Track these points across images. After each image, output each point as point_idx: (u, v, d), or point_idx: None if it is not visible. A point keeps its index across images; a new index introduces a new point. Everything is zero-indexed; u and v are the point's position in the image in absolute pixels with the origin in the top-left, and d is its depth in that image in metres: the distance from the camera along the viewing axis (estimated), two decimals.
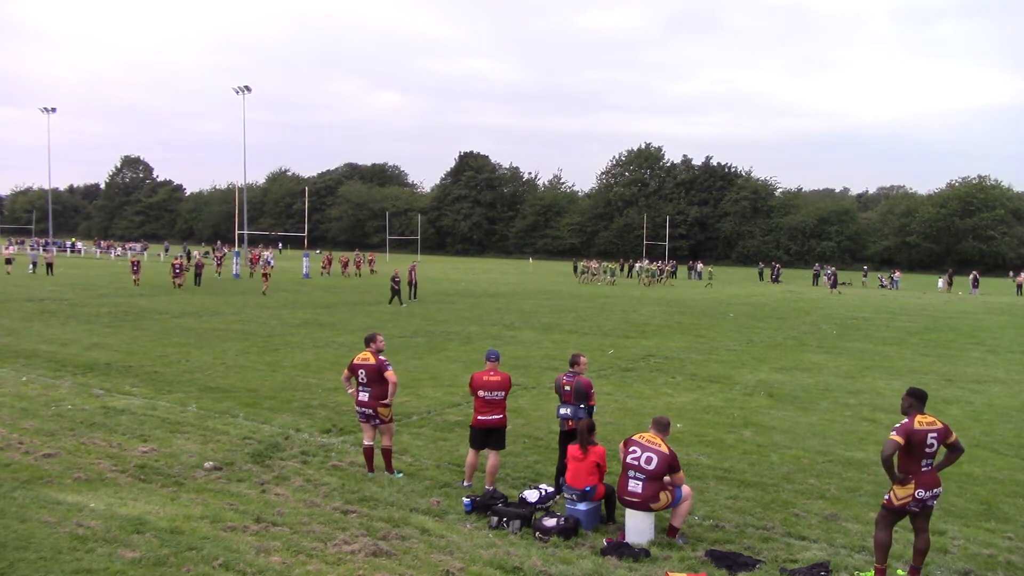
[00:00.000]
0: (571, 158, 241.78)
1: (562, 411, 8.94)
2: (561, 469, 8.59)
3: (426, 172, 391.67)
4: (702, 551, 7.33)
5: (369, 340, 9.45)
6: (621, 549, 7.27)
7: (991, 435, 12.36)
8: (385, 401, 9.20)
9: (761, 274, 71.30)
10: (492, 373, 8.98)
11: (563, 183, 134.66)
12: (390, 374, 9.21)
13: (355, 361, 9.36)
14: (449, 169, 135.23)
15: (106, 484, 8.71)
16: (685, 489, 7.79)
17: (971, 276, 57.59)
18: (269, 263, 45.60)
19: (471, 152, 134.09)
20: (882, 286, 60.37)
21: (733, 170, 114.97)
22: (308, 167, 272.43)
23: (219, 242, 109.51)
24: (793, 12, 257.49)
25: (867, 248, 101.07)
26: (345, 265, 58.46)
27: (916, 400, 6.83)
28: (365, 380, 9.22)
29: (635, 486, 7.62)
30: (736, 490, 9.24)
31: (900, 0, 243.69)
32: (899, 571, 6.99)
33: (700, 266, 72.29)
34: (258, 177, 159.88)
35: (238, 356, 18.02)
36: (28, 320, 23.93)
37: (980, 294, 52.92)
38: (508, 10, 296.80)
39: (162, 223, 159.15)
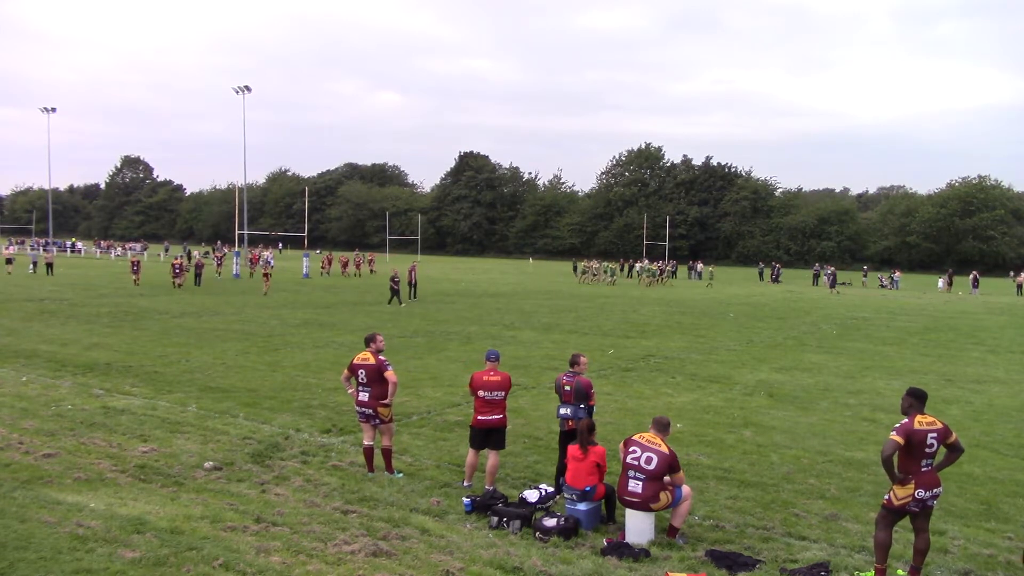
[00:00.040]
0: (571, 158, 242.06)
1: (562, 411, 8.94)
2: (561, 469, 8.59)
3: (426, 172, 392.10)
4: (702, 551, 7.33)
5: (369, 340, 9.45)
6: (621, 549, 7.27)
7: (991, 435, 12.36)
8: (385, 401, 9.20)
9: (761, 274, 71.31)
10: (492, 373, 8.98)
11: (563, 183, 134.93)
12: (390, 374, 9.21)
13: (355, 361, 9.36)
14: (449, 169, 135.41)
15: (106, 484, 8.71)
16: (685, 489, 7.79)
17: (971, 276, 57.61)
18: (269, 263, 45.59)
19: (471, 152, 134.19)
20: (882, 286, 60.37)
21: (733, 170, 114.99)
22: (308, 167, 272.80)
23: (219, 242, 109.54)
24: (793, 12, 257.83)
25: (867, 248, 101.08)
26: (345, 265, 58.47)
27: (916, 400, 6.83)
28: (365, 380, 9.22)
29: (635, 486, 7.62)
30: (736, 490, 9.24)
31: (900, 0, 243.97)
32: (899, 571, 6.99)
33: (700, 266, 72.31)
34: (258, 177, 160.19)
35: (238, 356, 18.02)
36: (28, 320, 23.93)
37: (980, 294, 52.92)
38: (508, 10, 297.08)
39: (162, 223, 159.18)
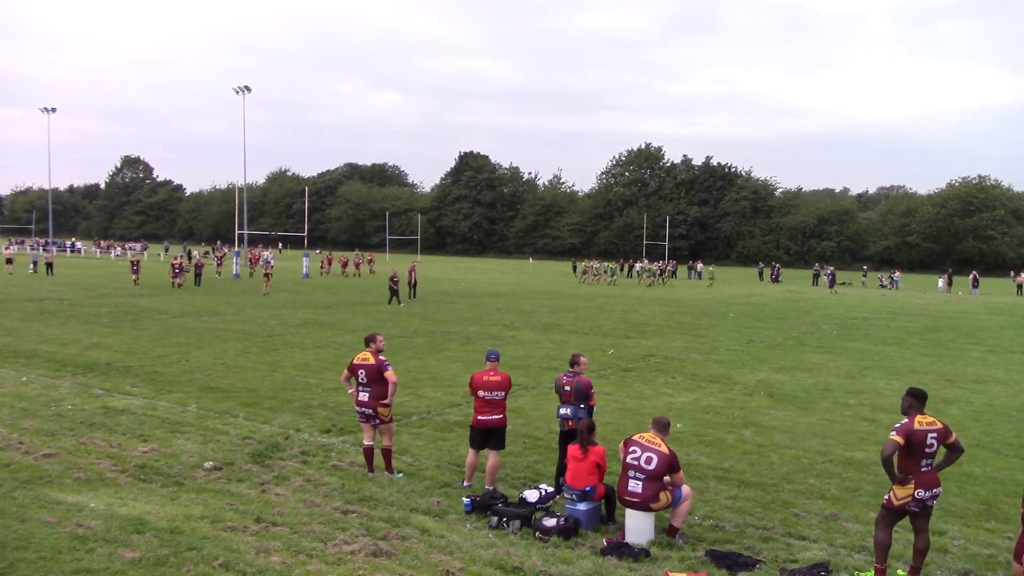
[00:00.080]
0: (571, 158, 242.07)
1: (562, 411, 8.94)
2: (561, 469, 8.59)
3: (426, 172, 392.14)
4: (702, 551, 7.33)
5: (369, 340, 9.45)
6: (621, 549, 7.27)
7: (991, 435, 12.36)
8: (385, 401, 9.20)
9: (761, 274, 71.33)
10: (492, 373, 8.98)
11: (563, 183, 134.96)
12: (390, 374, 9.21)
13: (355, 361, 9.36)
14: (449, 169, 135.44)
15: (106, 484, 8.71)
16: (685, 489, 7.79)
17: (971, 276, 57.61)
18: (269, 263, 45.58)
19: (471, 152, 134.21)
20: (882, 286, 60.37)
21: (733, 170, 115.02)
22: (308, 167, 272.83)
23: (219, 242, 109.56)
24: (793, 12, 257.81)
25: (867, 248, 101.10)
26: (344, 265, 58.50)
27: (916, 400, 6.83)
28: (365, 380, 9.22)
29: (635, 486, 7.62)
30: (736, 490, 9.24)
31: (900, 0, 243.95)
32: (899, 571, 6.99)
33: (700, 266, 72.30)
34: (258, 177, 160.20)
35: (238, 356, 18.03)
36: (28, 320, 23.94)
37: (980, 294, 52.93)
38: (508, 10, 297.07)
39: (162, 223, 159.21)
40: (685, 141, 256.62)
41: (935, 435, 6.67)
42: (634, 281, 59.30)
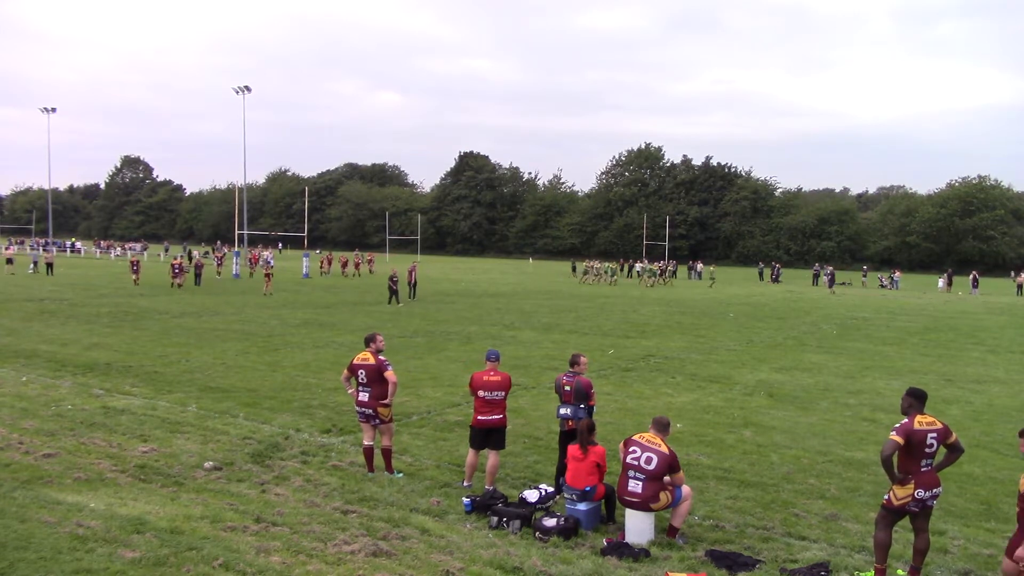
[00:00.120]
0: (571, 158, 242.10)
1: (562, 411, 8.94)
2: (561, 469, 8.59)
3: (426, 172, 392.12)
4: (702, 551, 7.33)
5: (369, 340, 9.45)
6: (621, 549, 7.27)
7: (991, 435, 12.35)
8: (385, 401, 9.20)
9: (761, 274, 71.35)
10: (492, 373, 8.98)
11: (563, 183, 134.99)
12: (390, 374, 9.21)
13: (355, 361, 9.36)
14: (449, 169, 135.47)
15: (106, 484, 8.71)
16: (685, 489, 7.79)
17: (971, 276, 57.61)
18: (269, 263, 45.59)
19: (471, 152, 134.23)
20: (882, 286, 60.37)
21: (733, 170, 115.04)
22: (308, 167, 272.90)
23: (219, 242, 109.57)
24: (793, 12, 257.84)
25: (867, 248, 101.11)
26: (344, 265, 58.53)
27: (916, 400, 6.83)
28: (365, 380, 9.22)
29: (635, 486, 7.62)
30: (736, 490, 9.24)
31: (900, 0, 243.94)
32: (899, 571, 6.99)
33: (700, 266, 72.32)
34: (258, 177, 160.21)
35: (238, 356, 18.03)
36: (28, 320, 23.94)
37: (980, 294, 52.93)
38: (508, 10, 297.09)
39: (162, 223, 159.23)
40: (685, 141, 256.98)
41: (935, 435, 6.67)
42: (634, 281, 59.30)
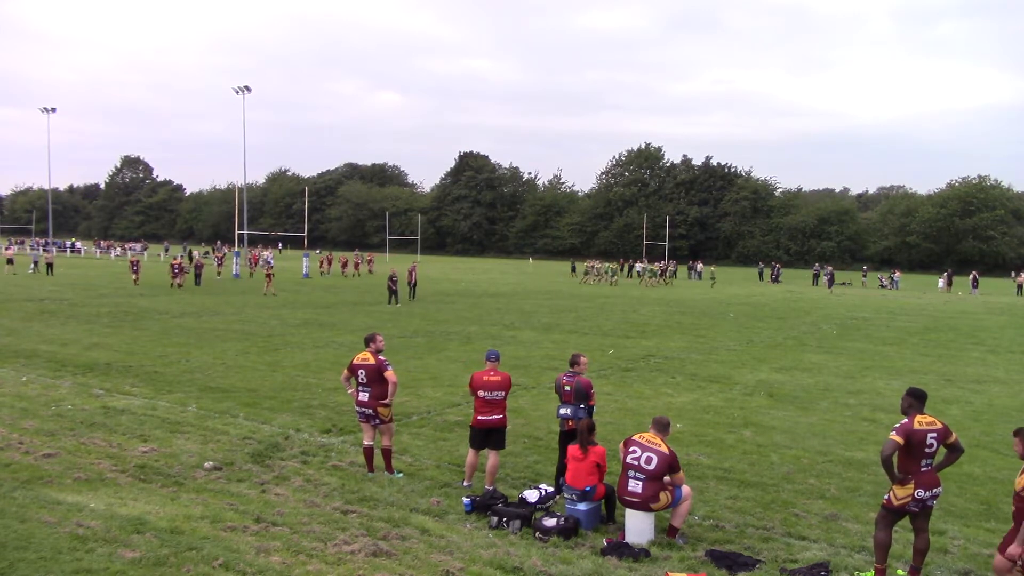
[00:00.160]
0: (571, 158, 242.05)
1: (562, 411, 8.94)
2: (561, 469, 8.59)
3: (426, 172, 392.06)
4: (702, 551, 7.33)
5: (369, 340, 9.45)
6: (621, 549, 7.27)
7: (991, 435, 12.35)
8: (385, 401, 9.20)
9: (761, 274, 71.35)
10: (492, 373, 8.98)
11: (563, 183, 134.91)
12: (390, 374, 9.21)
13: (355, 361, 9.36)
14: (449, 169, 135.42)
15: (106, 484, 8.71)
16: (685, 489, 7.79)
17: (971, 276, 57.62)
18: (269, 263, 45.58)
19: (471, 152, 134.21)
20: (882, 286, 60.37)
21: (733, 170, 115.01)
22: (308, 167, 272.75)
23: (219, 242, 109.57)
24: (793, 12, 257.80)
25: (867, 248, 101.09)
26: (344, 265, 58.55)
27: (916, 400, 6.84)
28: (365, 380, 9.22)
29: (635, 486, 7.62)
30: (736, 490, 9.24)
31: (900, 0, 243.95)
32: (899, 571, 6.99)
33: (700, 266, 72.32)
34: (258, 177, 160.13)
35: (238, 356, 18.03)
36: (28, 320, 23.94)
37: (980, 294, 52.94)
38: (508, 10, 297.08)
39: (162, 223, 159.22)
40: (685, 141, 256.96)
41: (935, 435, 6.67)
42: (634, 281, 59.31)
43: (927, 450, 6.66)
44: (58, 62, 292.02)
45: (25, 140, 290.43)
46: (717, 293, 47.40)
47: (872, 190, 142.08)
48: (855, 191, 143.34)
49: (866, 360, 20.18)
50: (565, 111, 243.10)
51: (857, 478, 9.89)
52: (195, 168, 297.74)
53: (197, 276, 42.30)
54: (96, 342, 19.56)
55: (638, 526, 7.63)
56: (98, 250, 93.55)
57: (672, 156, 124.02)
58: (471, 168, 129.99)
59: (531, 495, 8.22)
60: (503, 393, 8.94)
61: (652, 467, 7.58)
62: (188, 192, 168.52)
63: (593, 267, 61.01)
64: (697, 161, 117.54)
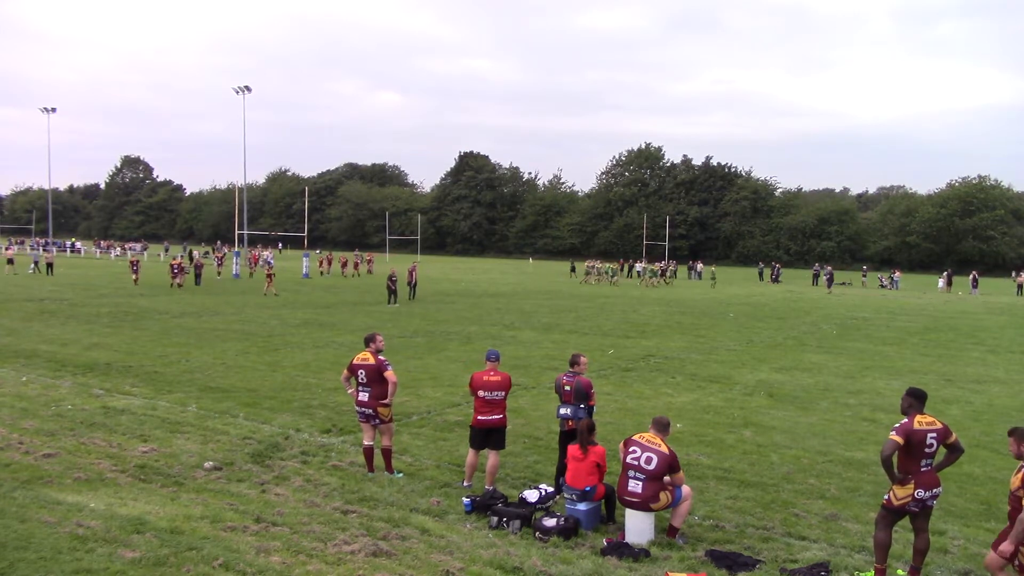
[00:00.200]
0: (571, 158, 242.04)
1: (562, 411, 8.94)
2: (561, 469, 8.59)
3: (426, 172, 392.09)
4: (702, 551, 7.33)
5: (369, 340, 9.46)
6: (621, 549, 7.27)
7: (991, 435, 12.35)
8: (385, 401, 9.20)
9: (761, 274, 71.35)
10: (492, 373, 8.98)
11: (563, 183, 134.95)
12: (390, 374, 9.21)
13: (355, 361, 9.37)
14: (449, 169, 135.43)
15: (106, 484, 8.71)
16: (685, 489, 7.79)
17: (971, 276, 57.62)
18: (269, 263, 45.56)
19: (471, 152, 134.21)
20: (882, 286, 60.37)
21: (733, 170, 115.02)
22: (308, 167, 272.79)
23: (219, 242, 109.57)
24: (793, 12, 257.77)
25: (867, 248, 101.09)
26: (344, 265, 58.55)
27: (916, 400, 6.84)
28: (365, 380, 9.22)
29: (635, 486, 7.62)
30: (736, 490, 9.24)
31: (900, 0, 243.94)
32: (899, 571, 6.99)
33: (700, 266, 72.32)
34: (258, 177, 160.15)
35: (238, 356, 18.03)
36: (28, 320, 23.94)
37: (980, 294, 52.93)
38: (508, 10, 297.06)
39: (162, 223, 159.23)
40: (685, 141, 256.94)
41: (935, 435, 6.67)
42: (634, 281, 59.32)
43: (927, 450, 6.66)
44: (58, 62, 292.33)
45: (25, 140, 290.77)
46: (717, 293, 47.40)
47: (872, 190, 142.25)
48: (855, 191, 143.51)
49: (866, 360, 20.18)
50: (565, 111, 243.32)
51: (857, 478, 9.89)
52: (195, 168, 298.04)
53: (197, 276, 42.30)
54: (96, 342, 19.56)
55: (638, 526, 7.63)
56: (98, 250, 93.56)
57: (672, 156, 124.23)
58: (471, 168, 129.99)
59: (531, 495, 8.22)
60: (503, 393, 8.94)
61: (652, 467, 7.58)
62: (188, 192, 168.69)
63: (594, 267, 61.00)
64: (697, 161, 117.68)
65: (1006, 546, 5.92)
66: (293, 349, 19.36)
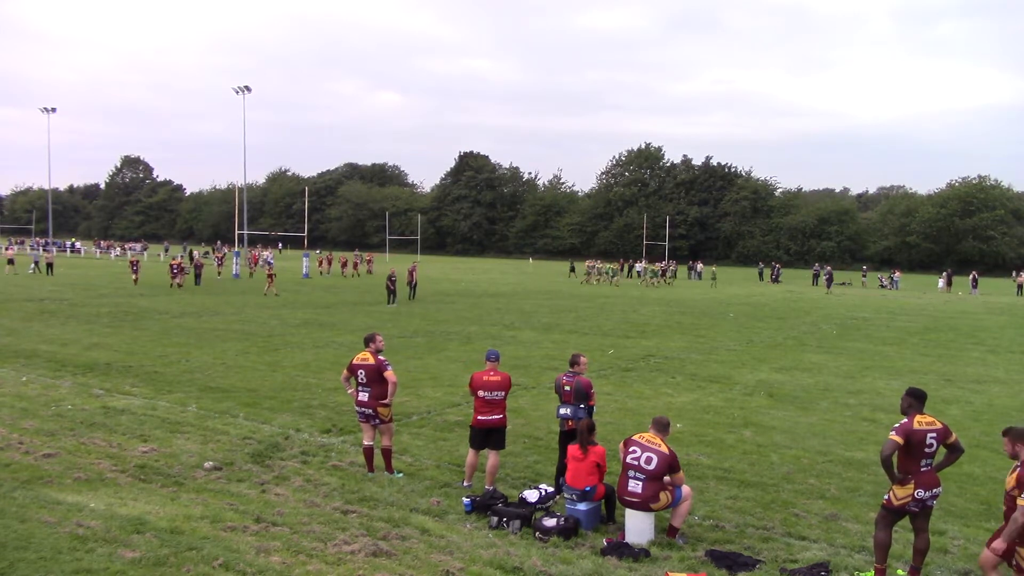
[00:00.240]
0: (571, 158, 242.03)
1: (562, 411, 8.94)
2: (561, 469, 8.59)
3: (426, 172, 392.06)
4: (702, 551, 7.33)
5: (368, 340, 9.46)
6: (621, 549, 7.27)
7: (991, 435, 12.34)
8: (385, 401, 9.20)
9: (761, 274, 71.37)
10: (492, 373, 8.98)
11: (563, 183, 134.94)
12: (390, 374, 9.21)
13: (354, 361, 9.37)
14: (449, 169, 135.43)
15: (106, 484, 8.71)
16: (685, 489, 7.79)
17: (971, 276, 57.62)
18: (269, 263, 45.56)
19: (471, 152, 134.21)
20: (882, 286, 60.37)
21: (733, 170, 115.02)
22: (308, 167, 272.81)
23: (219, 242, 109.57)
24: (793, 12, 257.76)
25: (867, 248, 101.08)
26: (344, 265, 58.55)
27: (915, 400, 6.84)
28: (365, 380, 9.22)
29: (635, 486, 7.62)
30: (736, 490, 9.24)
31: (900, 0, 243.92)
32: (899, 571, 6.99)
33: (700, 266, 72.33)
34: (258, 177, 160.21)
35: (238, 356, 18.03)
36: (28, 320, 23.94)
37: (980, 294, 52.94)
38: (508, 10, 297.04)
39: (162, 223, 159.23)
40: (685, 141, 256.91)
41: (934, 435, 6.67)
42: (634, 281, 59.32)
43: (927, 450, 6.66)
44: (58, 62, 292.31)
45: (25, 140, 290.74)
46: (717, 293, 47.40)
47: (872, 190, 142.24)
48: (855, 191, 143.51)
49: (866, 360, 20.18)
50: (565, 111, 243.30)
51: (857, 478, 9.89)
52: (195, 168, 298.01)
53: (197, 276, 42.30)
54: (96, 342, 19.56)
55: (638, 526, 7.63)
56: (98, 250, 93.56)
57: (672, 156, 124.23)
58: (471, 168, 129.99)
59: (531, 495, 8.22)
60: (503, 393, 8.94)
61: (652, 467, 7.58)
62: (188, 192, 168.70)
63: (594, 267, 61.00)
64: (697, 161, 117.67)
65: (998, 543, 5.96)
66: (293, 349, 19.36)
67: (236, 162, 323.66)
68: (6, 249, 61.69)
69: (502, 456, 9.23)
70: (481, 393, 8.88)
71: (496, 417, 8.89)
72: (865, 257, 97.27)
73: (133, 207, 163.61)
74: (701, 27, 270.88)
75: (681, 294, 46.02)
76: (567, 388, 8.88)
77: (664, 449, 7.67)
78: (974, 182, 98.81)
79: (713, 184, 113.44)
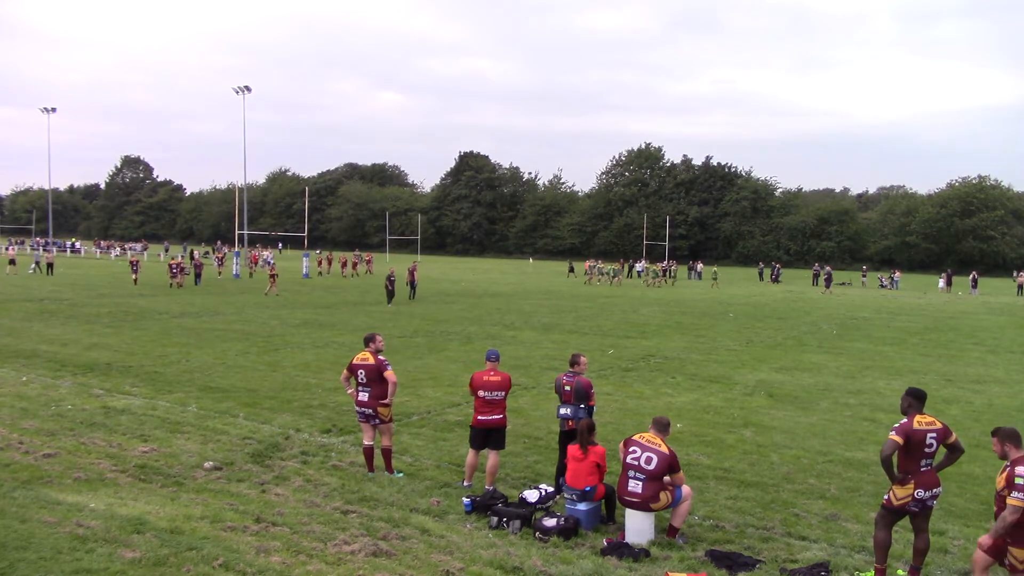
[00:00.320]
0: (571, 158, 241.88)
1: (562, 411, 8.94)
2: (561, 469, 8.59)
3: (426, 172, 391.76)
4: (702, 551, 7.34)
5: (368, 340, 9.46)
6: (621, 549, 7.27)
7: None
8: (385, 401, 9.20)
9: (761, 274, 71.36)
10: (492, 373, 8.98)
11: (563, 183, 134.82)
12: (389, 374, 9.21)
13: (354, 361, 9.37)
14: (449, 169, 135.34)
15: (106, 484, 8.71)
16: (685, 489, 7.79)
17: (971, 276, 57.63)
18: (269, 263, 45.56)
19: (471, 152, 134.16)
20: (882, 286, 60.37)
21: (733, 170, 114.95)
22: (308, 167, 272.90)
23: (219, 242, 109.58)
24: (793, 12, 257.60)
25: (867, 248, 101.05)
26: (344, 265, 58.56)
27: (915, 400, 6.84)
28: (365, 380, 9.22)
29: (635, 486, 7.62)
30: (736, 490, 9.24)
31: (901, 0, 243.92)
32: (899, 571, 7.00)
33: (700, 266, 72.33)
34: (258, 177, 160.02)
35: (238, 356, 18.03)
36: (28, 320, 23.94)
37: (980, 294, 52.94)
38: (508, 10, 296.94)
39: (162, 223, 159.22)
40: (685, 141, 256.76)
41: (934, 435, 6.67)
42: (635, 281, 59.30)
43: (927, 450, 6.66)
44: (58, 62, 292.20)
45: (25, 140, 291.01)
46: (717, 293, 47.40)
47: (872, 190, 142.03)
48: (855, 191, 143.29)
49: (866, 360, 20.18)
50: (565, 111, 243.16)
51: (857, 478, 9.89)
52: (195, 168, 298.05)
53: (197, 276, 42.31)
54: (96, 342, 19.57)
55: (638, 526, 7.63)
56: (98, 250, 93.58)
57: (672, 156, 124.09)
58: (471, 168, 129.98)
59: (531, 495, 8.22)
60: (503, 393, 8.94)
61: (652, 467, 7.58)
62: (188, 192, 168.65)
63: (595, 267, 60.97)
64: (697, 161, 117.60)
65: (984, 539, 6.03)
66: (293, 349, 19.36)
67: (236, 162, 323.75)
68: (7, 249, 61.73)
69: (502, 456, 9.23)
70: (481, 393, 8.89)
71: (496, 417, 8.90)
72: (865, 257, 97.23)
73: (133, 207, 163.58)
74: (702, 27, 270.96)
75: (681, 294, 46.02)
76: (567, 388, 8.88)
77: (664, 449, 7.67)
78: (974, 182, 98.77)
79: (713, 184, 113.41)
